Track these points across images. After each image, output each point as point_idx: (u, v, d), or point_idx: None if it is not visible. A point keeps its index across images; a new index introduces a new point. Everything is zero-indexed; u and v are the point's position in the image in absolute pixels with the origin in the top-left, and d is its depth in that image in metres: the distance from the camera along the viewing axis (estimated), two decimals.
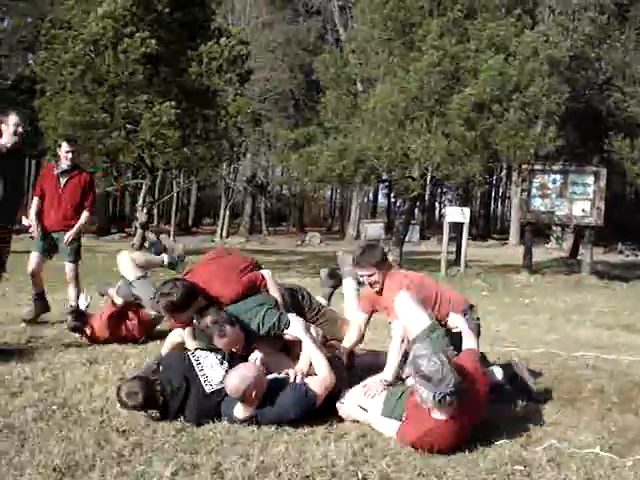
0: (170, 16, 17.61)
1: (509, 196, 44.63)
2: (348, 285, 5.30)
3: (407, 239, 21.62)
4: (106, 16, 16.38)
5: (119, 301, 6.25)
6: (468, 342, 4.39)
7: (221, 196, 40.99)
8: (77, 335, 6.33)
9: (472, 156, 15.42)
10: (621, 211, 26.92)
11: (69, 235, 7.21)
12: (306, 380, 4.16)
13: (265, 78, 35.12)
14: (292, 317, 4.53)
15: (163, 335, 5.60)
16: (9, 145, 5.89)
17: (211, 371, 4.25)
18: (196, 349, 4.46)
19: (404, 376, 4.34)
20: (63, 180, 7.27)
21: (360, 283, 5.04)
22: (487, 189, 40.70)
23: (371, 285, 4.70)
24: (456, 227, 17.93)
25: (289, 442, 3.75)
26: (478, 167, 15.54)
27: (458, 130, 14.90)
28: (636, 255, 27.87)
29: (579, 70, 20.70)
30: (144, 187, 19.82)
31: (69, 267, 7.35)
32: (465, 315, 4.75)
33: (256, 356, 4.39)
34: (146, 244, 6.78)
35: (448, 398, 3.65)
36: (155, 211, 39.30)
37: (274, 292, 4.76)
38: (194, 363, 4.29)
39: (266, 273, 4.85)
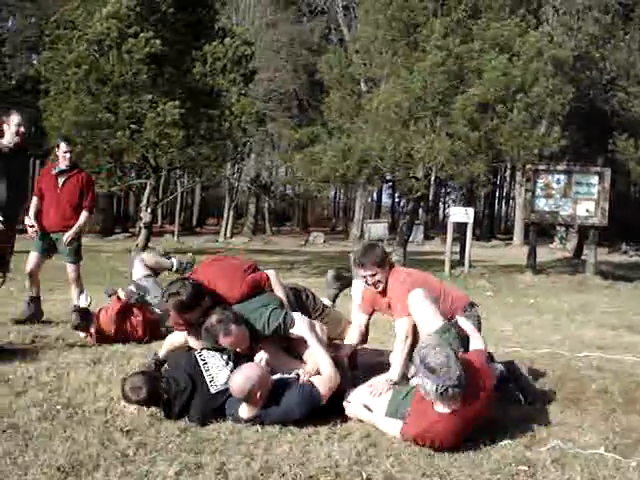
0: (174, 16, 17.64)
1: (513, 196, 44.61)
2: (358, 287, 5.28)
3: (411, 239, 21.63)
4: (110, 16, 16.40)
5: (123, 295, 6.38)
6: (476, 343, 4.38)
7: (225, 196, 41.05)
8: (82, 335, 6.35)
9: (476, 156, 15.40)
10: (625, 211, 26.90)
11: (68, 236, 7.19)
12: (311, 379, 4.16)
13: (269, 78, 35.13)
14: (297, 316, 4.53)
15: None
16: (11, 145, 5.90)
17: (217, 371, 4.25)
18: (202, 349, 4.46)
19: (409, 375, 4.35)
20: (61, 180, 7.27)
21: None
22: (491, 189, 40.67)
23: (374, 285, 4.68)
24: (460, 227, 17.89)
25: (293, 442, 3.75)
26: (482, 167, 15.52)
27: (462, 130, 14.89)
28: None
29: (583, 70, 20.68)
30: (148, 187, 19.83)
31: (70, 268, 7.35)
32: (465, 312, 4.76)
33: (262, 356, 4.39)
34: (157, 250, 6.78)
35: (451, 390, 3.65)
36: (159, 211, 39.43)
37: (279, 292, 4.76)
38: (200, 363, 4.29)
39: (271, 273, 4.86)
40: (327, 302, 5.44)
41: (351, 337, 4.89)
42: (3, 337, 6.23)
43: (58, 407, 4.24)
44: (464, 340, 4.42)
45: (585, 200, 15.68)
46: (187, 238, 35.51)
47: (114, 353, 5.78)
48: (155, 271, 6.96)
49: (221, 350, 4.37)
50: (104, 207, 37.60)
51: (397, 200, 49.54)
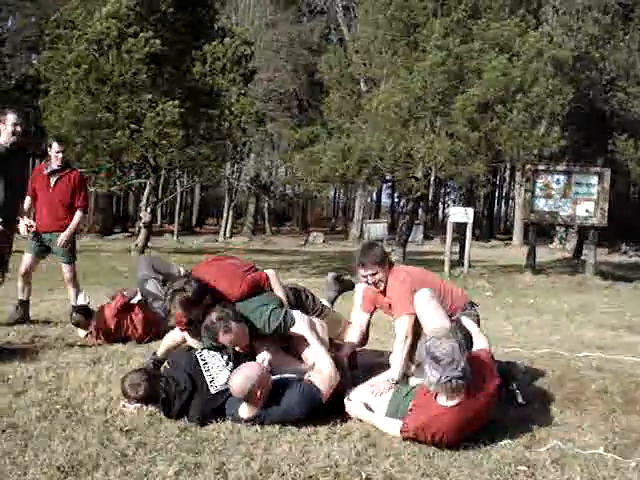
0: (174, 16, 17.66)
1: (513, 196, 44.60)
2: (361, 291, 5.26)
3: (410, 239, 21.61)
4: (110, 16, 16.41)
5: (126, 293, 6.49)
6: (480, 342, 4.38)
7: (225, 196, 41.05)
8: (81, 334, 6.36)
9: (476, 156, 15.40)
10: (625, 211, 26.89)
11: (62, 238, 7.14)
12: (311, 378, 4.16)
13: (269, 78, 35.14)
14: (297, 315, 4.53)
15: None
16: (8, 145, 5.88)
17: (217, 372, 4.25)
18: (203, 349, 4.45)
19: (410, 374, 4.35)
20: (53, 180, 7.23)
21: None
22: (491, 189, 40.71)
23: (375, 284, 4.68)
24: (460, 227, 17.89)
25: (292, 442, 3.75)
26: (482, 167, 15.51)
27: (462, 130, 14.89)
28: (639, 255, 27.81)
29: (583, 70, 20.66)
30: (148, 187, 19.84)
31: (66, 268, 7.32)
32: (465, 310, 4.76)
33: (264, 357, 4.39)
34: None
35: (455, 382, 3.64)
36: (159, 211, 39.43)
37: (279, 291, 4.77)
38: (201, 363, 4.29)
39: (271, 273, 4.86)
40: (326, 303, 5.44)
41: (351, 336, 4.89)
42: (2, 337, 6.23)
43: (58, 407, 4.24)
44: (467, 338, 4.42)
45: (585, 200, 15.67)
46: (186, 238, 35.53)
47: (114, 353, 5.77)
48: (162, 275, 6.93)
49: (221, 350, 4.37)
50: (104, 207, 37.65)
51: (397, 200, 49.55)
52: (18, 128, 5.88)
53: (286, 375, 4.23)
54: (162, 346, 5.02)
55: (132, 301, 6.49)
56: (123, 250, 21.68)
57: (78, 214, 7.28)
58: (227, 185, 39.82)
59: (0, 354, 5.48)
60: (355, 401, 4.20)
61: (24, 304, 7.20)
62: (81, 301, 6.93)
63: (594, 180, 15.66)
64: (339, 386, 4.23)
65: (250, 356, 4.41)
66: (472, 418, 3.78)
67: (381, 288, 4.68)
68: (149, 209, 19.48)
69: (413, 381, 4.41)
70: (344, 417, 4.18)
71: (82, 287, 7.54)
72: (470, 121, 14.94)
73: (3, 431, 3.79)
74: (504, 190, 52.38)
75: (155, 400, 4.16)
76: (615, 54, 20.39)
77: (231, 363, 4.30)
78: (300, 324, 4.47)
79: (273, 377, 4.14)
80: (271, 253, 24.87)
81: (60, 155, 7.25)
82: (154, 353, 5.06)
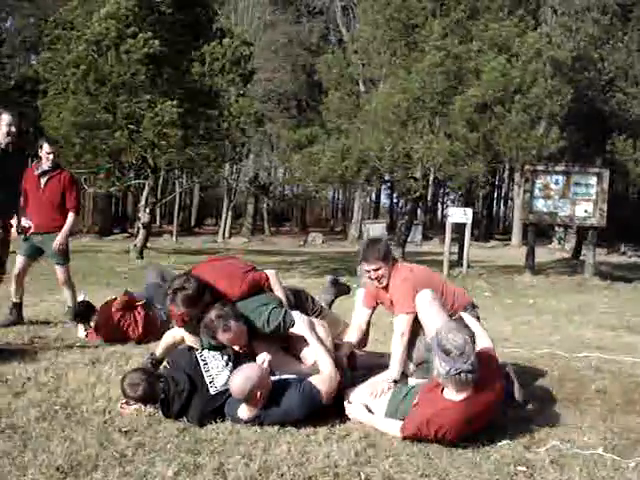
0: (173, 16, 17.65)
1: (511, 197, 44.61)
2: (362, 293, 5.26)
3: (409, 240, 21.62)
4: (109, 17, 16.40)
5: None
6: (483, 341, 4.36)
7: (223, 196, 41.04)
8: (81, 334, 6.38)
9: (475, 157, 15.41)
10: (624, 212, 26.88)
11: (57, 242, 7.07)
12: (311, 379, 4.15)
13: (268, 78, 35.15)
14: (297, 315, 4.53)
15: None
16: (3, 145, 5.85)
17: (217, 372, 4.25)
18: (203, 349, 4.45)
19: (409, 373, 4.34)
20: (43, 181, 7.18)
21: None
22: (490, 190, 40.73)
23: (377, 280, 4.66)
24: (458, 228, 17.89)
25: (292, 442, 3.75)
26: (481, 168, 15.53)
27: (461, 131, 14.90)
28: (639, 256, 27.83)
29: (582, 71, 20.70)
30: (147, 187, 19.82)
31: (60, 270, 7.26)
32: (466, 311, 4.76)
33: (264, 358, 4.39)
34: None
35: (464, 375, 3.64)
36: (158, 211, 39.42)
37: (278, 292, 4.77)
38: (201, 364, 4.28)
39: (270, 273, 4.86)
40: (324, 305, 5.44)
41: (351, 335, 4.88)
42: (1, 338, 6.23)
43: (57, 407, 4.24)
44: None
45: (584, 201, 15.67)
46: (185, 238, 35.55)
47: (113, 353, 5.77)
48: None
49: (221, 350, 4.37)
50: (103, 207, 37.66)
51: (395, 200, 49.59)
52: (13, 128, 5.83)
53: (286, 376, 4.22)
54: (161, 345, 5.00)
55: (137, 303, 6.55)
56: (122, 251, 21.64)
57: (71, 216, 7.21)
58: (226, 185, 39.81)
59: None
60: (355, 404, 4.20)
61: (17, 306, 7.18)
62: (81, 297, 6.96)
63: (593, 180, 15.66)
64: (339, 386, 4.22)
65: (250, 356, 4.40)
66: (477, 415, 3.77)
67: (384, 284, 4.67)
68: (148, 210, 19.46)
69: (412, 381, 4.41)
70: (343, 418, 4.18)
71: (79, 287, 7.55)
72: (469, 121, 14.95)
73: (2, 432, 3.79)
74: (503, 190, 52.42)
75: (154, 400, 4.16)
76: (614, 55, 20.44)
77: (231, 364, 4.29)
78: (300, 324, 4.47)
79: (273, 378, 4.14)
80: (270, 254, 24.86)
81: (51, 156, 7.20)
82: (152, 353, 5.06)
